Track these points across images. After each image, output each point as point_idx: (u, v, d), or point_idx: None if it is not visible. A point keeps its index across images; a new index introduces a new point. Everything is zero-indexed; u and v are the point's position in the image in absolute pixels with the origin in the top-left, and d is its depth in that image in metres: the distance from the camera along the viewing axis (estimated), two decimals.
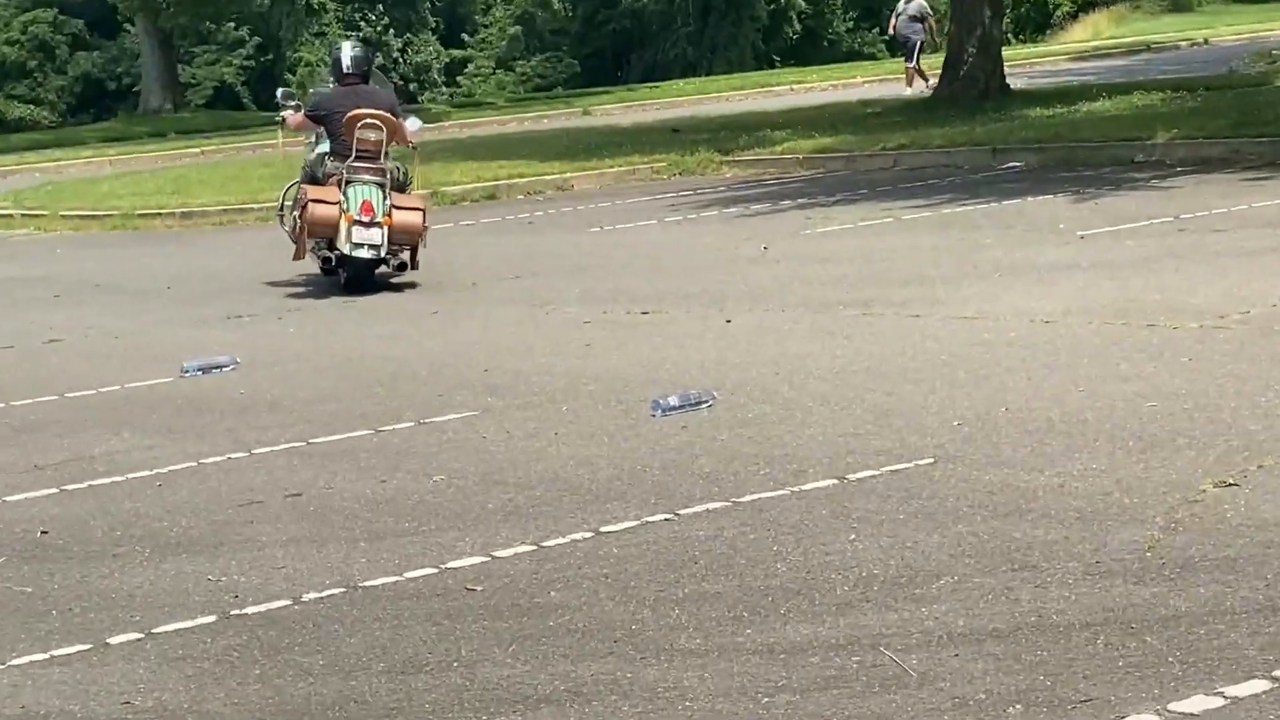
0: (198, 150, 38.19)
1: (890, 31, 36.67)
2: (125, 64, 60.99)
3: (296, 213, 14.48)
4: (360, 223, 13.67)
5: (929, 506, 6.41)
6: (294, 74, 59.42)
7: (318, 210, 13.88)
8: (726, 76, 51.66)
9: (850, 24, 63.14)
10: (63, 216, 22.83)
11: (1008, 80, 27.57)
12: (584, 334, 10.78)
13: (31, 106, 59.68)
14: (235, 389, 9.91)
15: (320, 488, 7.46)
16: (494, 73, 62.16)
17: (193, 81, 59.12)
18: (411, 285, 13.75)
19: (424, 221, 14.08)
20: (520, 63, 62.19)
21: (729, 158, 22.46)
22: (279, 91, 17.12)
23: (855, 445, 7.37)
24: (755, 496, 6.74)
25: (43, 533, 7.07)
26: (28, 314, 14.11)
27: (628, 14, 61.41)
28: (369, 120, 14.11)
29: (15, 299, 15.29)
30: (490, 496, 7.09)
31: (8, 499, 7.68)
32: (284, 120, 15.70)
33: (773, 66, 57.71)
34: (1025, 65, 38.83)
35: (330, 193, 13.92)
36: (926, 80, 33.42)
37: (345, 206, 13.70)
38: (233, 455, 8.21)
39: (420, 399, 9.20)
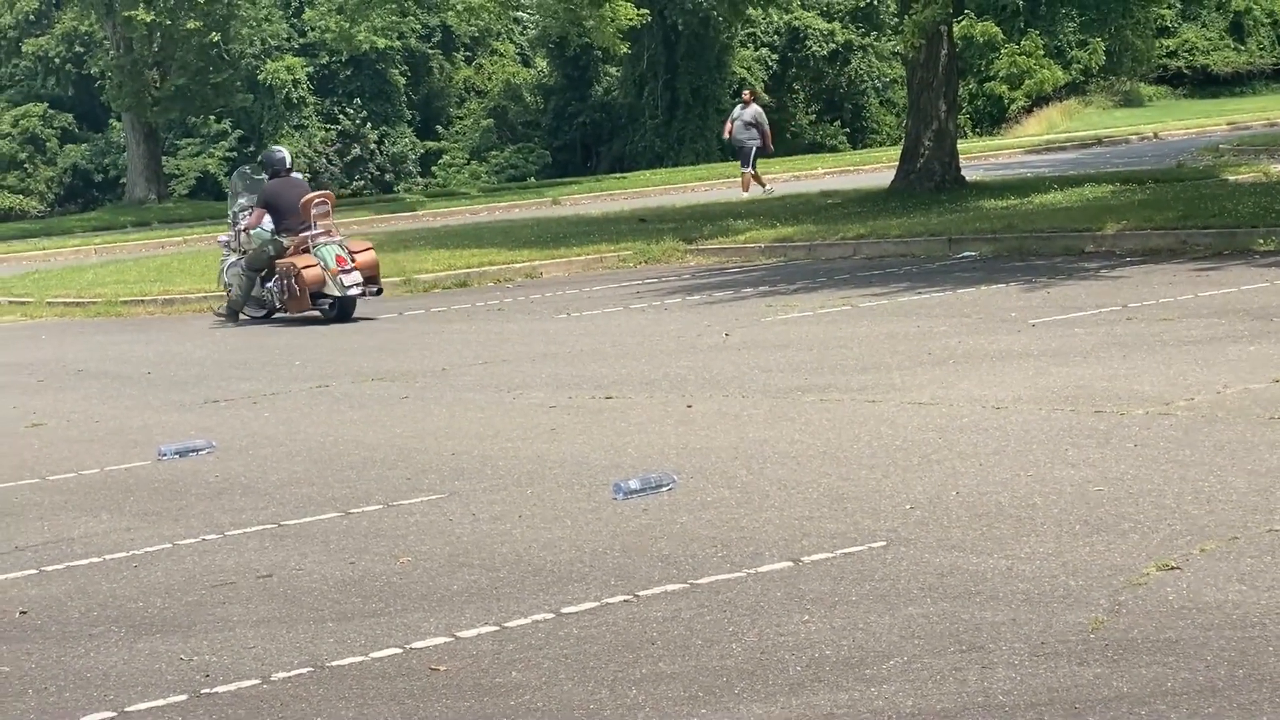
0: (180, 239, 38.47)
1: (726, 136, 37.19)
2: (112, 156, 61.38)
3: (284, 282, 18.96)
4: (343, 271, 18.59)
5: (881, 588, 6.60)
6: None
7: (310, 272, 18.71)
8: (693, 167, 52.18)
9: (812, 117, 63.78)
10: (49, 304, 23.09)
11: (963, 172, 28.05)
12: (550, 419, 10.99)
13: (21, 197, 60.06)
14: (211, 472, 10.10)
15: (291, 569, 7.65)
16: (468, 163, 62.57)
17: (177, 172, 59.53)
18: (370, 318, 13.99)
19: (375, 255, 19.44)
20: (493, 154, 62.64)
21: (693, 246, 22.81)
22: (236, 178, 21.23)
23: (810, 528, 7.58)
24: (713, 578, 6.93)
25: (21, 613, 7.23)
26: (11, 398, 14.32)
27: (597, 107, 61.96)
28: (320, 201, 19.44)
29: (0, 384, 15.47)
30: (455, 578, 7.28)
31: None
32: (246, 226, 19.79)
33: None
34: (981, 158, 39.41)
35: (310, 258, 18.75)
36: (763, 185, 34.29)
37: (324, 265, 18.63)
38: (207, 537, 8.40)
39: (389, 482, 9.40)
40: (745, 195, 33.74)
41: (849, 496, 8.10)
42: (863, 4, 61.35)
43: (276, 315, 19.40)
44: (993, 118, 60.64)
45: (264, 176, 20.04)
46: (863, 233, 21.52)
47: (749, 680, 5.71)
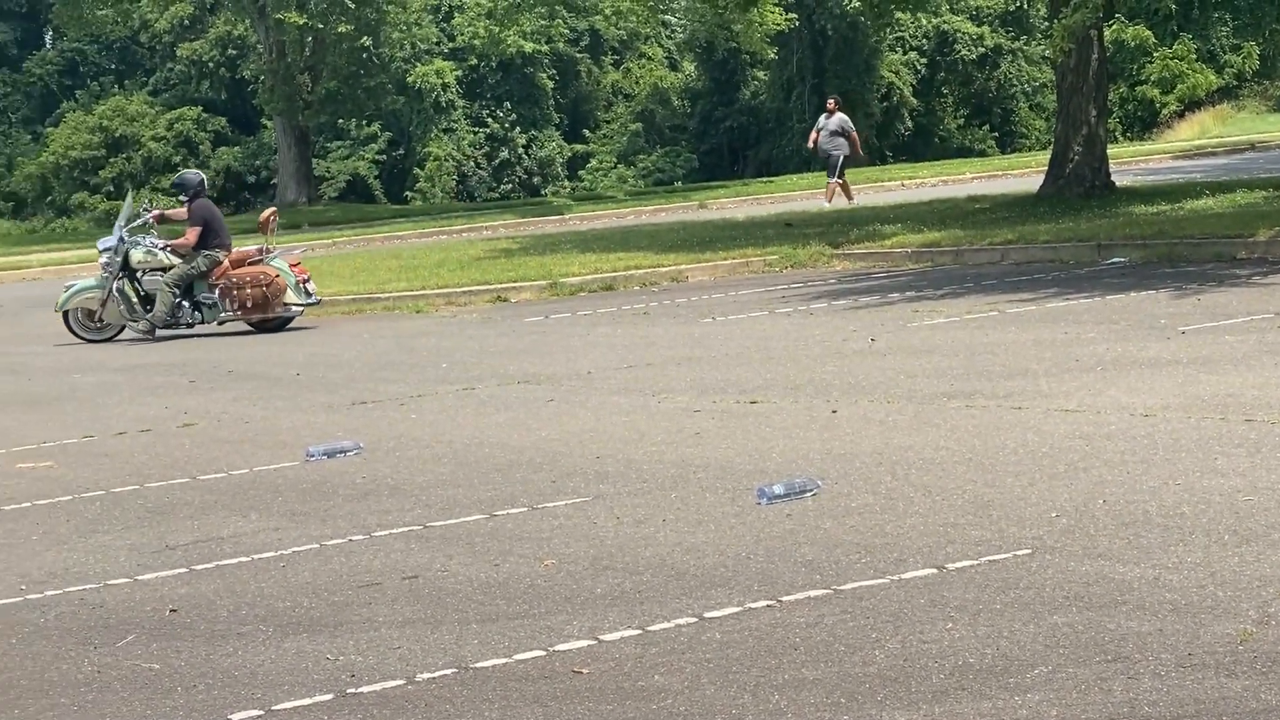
0: (329, 241, 38.93)
1: (810, 146, 36.79)
2: (264, 158, 62.36)
3: (247, 291, 19.98)
4: (304, 280, 20.21)
5: (1025, 597, 6.55)
6: (422, 168, 60.44)
7: (279, 280, 19.99)
8: None
9: (961, 121, 63.38)
10: None
11: (1113, 177, 27.72)
12: (694, 423, 11.00)
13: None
14: (358, 474, 10.21)
15: (436, 570, 7.71)
16: (615, 167, 62.82)
17: (327, 175, 60.35)
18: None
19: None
20: (640, 158, 62.85)
21: (840, 251, 22.72)
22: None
23: (955, 535, 7.53)
24: (856, 584, 6.91)
25: (171, 611, 7.35)
26: (164, 399, 14.54)
27: (745, 111, 61.96)
28: (275, 214, 22.38)
29: (154, 384, 15.75)
30: (599, 581, 7.31)
31: (140, 578, 7.98)
32: (181, 244, 20.56)
33: (885, 162, 58.01)
34: (1131, 163, 38.95)
35: (269, 268, 20.16)
36: (850, 198, 33.92)
37: (283, 274, 20.09)
38: (353, 538, 8.49)
39: (534, 485, 9.45)
40: (828, 206, 33.55)
41: (994, 504, 8.04)
42: (1012, 8, 60.82)
43: (187, 330, 20.36)
44: (1143, 122, 59.95)
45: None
46: (1011, 238, 21.35)
47: (892, 687, 5.68)
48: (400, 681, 6.16)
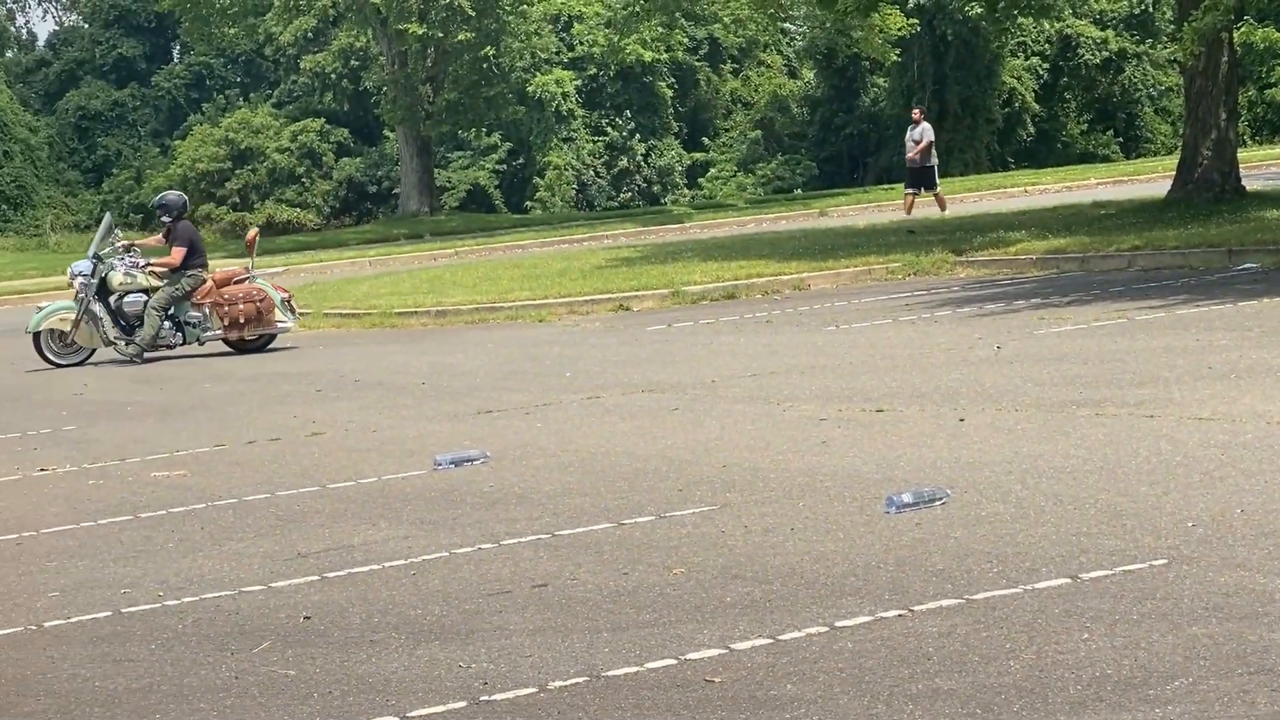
0: (452, 251, 39.25)
1: (909, 160, 36.42)
2: (385, 169, 62.94)
3: (237, 308, 20.38)
4: (288, 299, 20.84)
5: (1163, 607, 6.46)
6: (542, 177, 60.75)
7: (270, 298, 20.51)
8: (961, 178, 51.74)
9: (1084, 126, 62.83)
10: (326, 315, 23.72)
11: (1243, 182, 27.35)
12: (820, 431, 10.96)
13: (299, 210, 61.97)
14: (485, 482, 10.25)
15: (565, 579, 7.73)
16: (734, 175, 62.82)
17: (448, 185, 60.80)
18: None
19: None
20: (760, 165, 62.82)
21: (963, 258, 22.58)
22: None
23: (1088, 544, 7.45)
24: (988, 594, 6.85)
25: (306, 618, 7.41)
26: (292, 408, 14.70)
27: (865, 118, 61.76)
28: (255, 238, 22.47)
29: (282, 393, 15.93)
30: (728, 589, 7.30)
31: (274, 585, 8.07)
32: (168, 263, 20.81)
33: (1007, 168, 57.64)
34: (1260, 167, 38.45)
35: (257, 287, 20.71)
36: (943, 207, 33.70)
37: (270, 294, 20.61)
38: (482, 546, 8.53)
39: (661, 493, 9.45)
40: (946, 214, 33.40)
41: (1128, 513, 7.95)
42: (1137, 11, 60.22)
43: (167, 351, 20.75)
44: (1273, 126, 59.14)
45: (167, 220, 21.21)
46: (1138, 244, 21.12)
47: (1028, 698, 5.63)
48: (533, 689, 6.17)
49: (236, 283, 20.87)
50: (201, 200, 63.49)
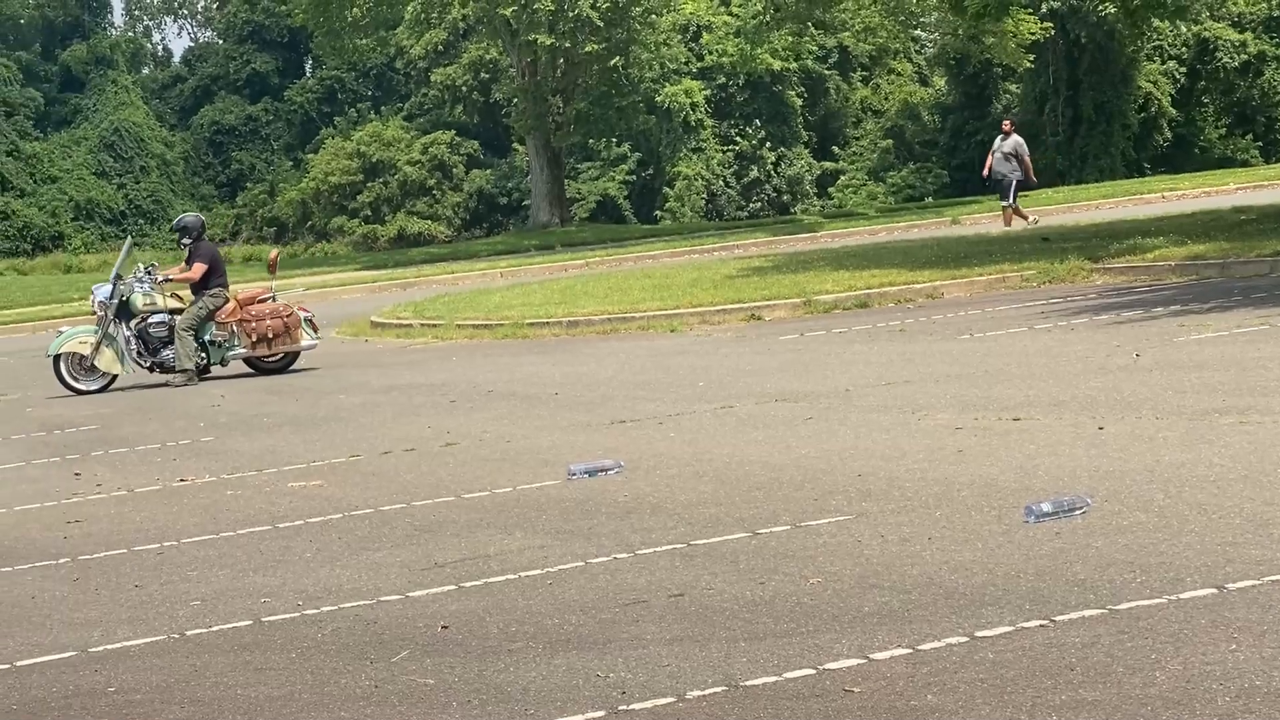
0: (582, 262, 39.39)
1: (985, 172, 35.86)
2: (515, 180, 63.37)
3: (266, 324, 20.58)
4: (309, 318, 21.03)
5: None
6: (672, 187, 60.88)
7: (296, 316, 20.74)
8: (1097, 184, 51.25)
9: (1222, 130, 62.06)
10: (458, 326, 23.86)
11: None
12: (956, 440, 10.87)
13: (430, 222, 62.54)
14: (619, 492, 10.26)
15: (701, 588, 7.71)
16: (865, 184, 62.63)
17: (578, 196, 61.09)
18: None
19: None
20: (890, 174, 62.61)
21: (1099, 265, 22.32)
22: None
23: (1234, 554, 7.33)
24: (1132, 604, 6.75)
25: (443, 627, 7.44)
26: (426, 418, 14.78)
27: (997, 125, 61.30)
28: (276, 258, 23.30)
29: (415, 404, 16.02)
30: (866, 599, 7.25)
31: (411, 595, 8.11)
32: (188, 277, 21.04)
33: (1143, 174, 57.04)
34: None
35: (288, 306, 21.05)
36: (1026, 218, 33.06)
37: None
38: (617, 556, 8.53)
39: (796, 503, 9.41)
40: (1008, 229, 32.94)
41: (1274, 522, 7.81)
42: (1277, 13, 59.38)
43: (156, 373, 20.76)
44: None
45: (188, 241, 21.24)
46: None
47: (1175, 710, 5.54)
48: (671, 699, 6.16)
49: (260, 302, 21.01)
50: (334, 213, 64.24)
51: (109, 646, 7.68)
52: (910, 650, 6.46)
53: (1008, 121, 37.05)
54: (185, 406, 18.02)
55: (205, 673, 7.07)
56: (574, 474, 10.89)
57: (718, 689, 6.22)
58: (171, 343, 20.70)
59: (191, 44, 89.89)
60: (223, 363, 20.82)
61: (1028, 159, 34.88)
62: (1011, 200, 34.69)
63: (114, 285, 20.92)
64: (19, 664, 7.52)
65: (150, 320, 20.82)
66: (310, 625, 7.70)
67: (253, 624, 7.81)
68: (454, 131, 65.38)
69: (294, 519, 10.42)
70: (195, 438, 15.07)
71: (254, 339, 20.62)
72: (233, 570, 9.07)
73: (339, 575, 8.68)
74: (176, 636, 7.75)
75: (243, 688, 6.79)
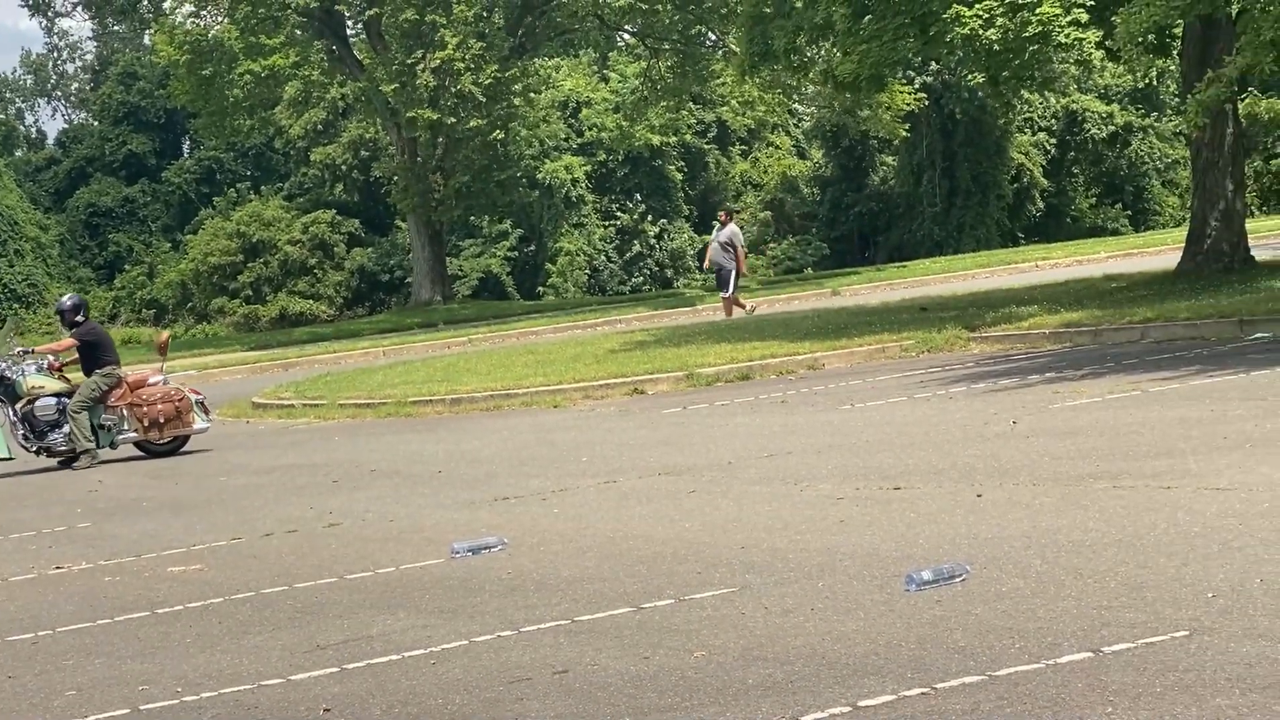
0: (465, 339, 39.32)
1: (705, 264, 36.17)
2: (397, 258, 63.21)
3: (156, 408, 20.28)
4: (201, 401, 20.74)
5: (1186, 679, 6.43)
6: (554, 263, 60.97)
7: (187, 399, 20.45)
8: (973, 254, 51.89)
9: (1093, 200, 63.10)
10: (340, 405, 23.72)
11: (1252, 252, 27.43)
12: (838, 510, 10.95)
13: (311, 301, 62.19)
14: (503, 569, 10.24)
15: (586, 664, 7.70)
16: (746, 256, 63.07)
17: (460, 273, 61.02)
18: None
19: None
20: (770, 246, 63.05)
21: (976, 334, 22.60)
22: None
23: (1109, 618, 7.42)
24: (1011, 670, 6.82)
25: (325, 710, 7.38)
26: (309, 499, 14.69)
27: (874, 196, 62.02)
28: (166, 340, 22.38)
29: (298, 485, 15.92)
30: (749, 672, 7.27)
31: (293, 678, 8.03)
32: (58, 355, 21.06)
33: (1017, 243, 57.84)
34: (1269, 237, 38.55)
35: (179, 390, 20.79)
36: (744, 307, 33.44)
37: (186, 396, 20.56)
38: (501, 633, 8.51)
39: (680, 576, 9.43)
40: (728, 318, 33.29)
41: (1147, 585, 7.93)
42: (1142, 85, 60.56)
43: (59, 460, 20.46)
44: None
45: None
46: (1150, 316, 21.14)
47: None
48: None
49: (150, 384, 20.71)
50: (214, 294, 63.76)
51: None
52: None
53: (723, 212, 37.17)
54: (62, 492, 17.80)
55: None
56: (457, 552, 10.85)
57: None
58: (59, 425, 20.39)
59: (66, 125, 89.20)
60: (112, 445, 20.47)
61: (741, 250, 34.86)
62: (730, 291, 34.78)
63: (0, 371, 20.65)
64: None
65: (37, 403, 20.49)
66: (189, 712, 7.61)
67: (130, 713, 7.71)
68: (334, 210, 65.17)
69: (173, 604, 10.30)
70: (72, 524, 14.88)
71: (145, 423, 20.33)
72: (110, 658, 8.95)
73: (219, 660, 8.59)
74: None
75: None
